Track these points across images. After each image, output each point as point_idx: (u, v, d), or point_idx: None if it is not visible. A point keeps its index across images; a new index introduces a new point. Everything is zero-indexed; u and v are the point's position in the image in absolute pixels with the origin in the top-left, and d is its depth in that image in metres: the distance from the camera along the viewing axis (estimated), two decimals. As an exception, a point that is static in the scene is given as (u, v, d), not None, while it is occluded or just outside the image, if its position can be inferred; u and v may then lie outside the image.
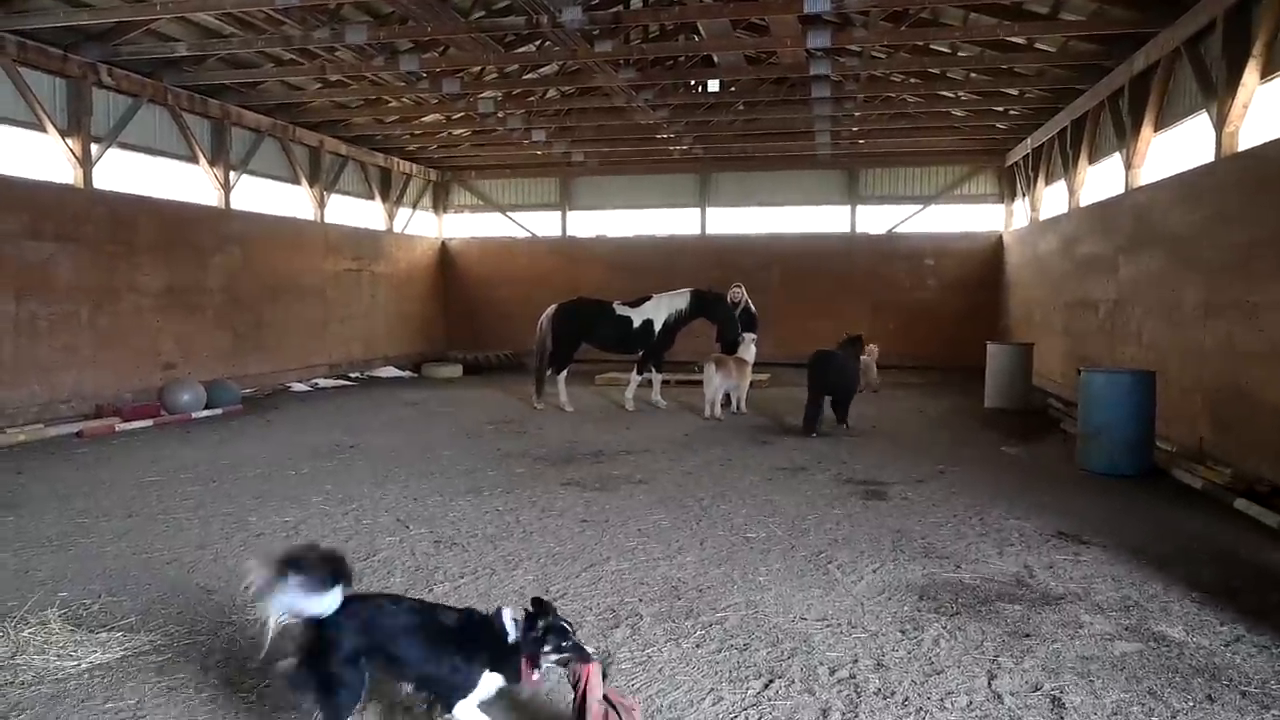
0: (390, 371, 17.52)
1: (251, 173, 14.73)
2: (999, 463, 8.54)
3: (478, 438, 9.87)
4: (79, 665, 3.73)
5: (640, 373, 12.28)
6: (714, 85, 14.30)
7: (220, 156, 13.78)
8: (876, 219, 19.41)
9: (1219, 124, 8.21)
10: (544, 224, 21.05)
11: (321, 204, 16.47)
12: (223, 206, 13.81)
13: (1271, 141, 7.27)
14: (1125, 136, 10.82)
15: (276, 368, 14.77)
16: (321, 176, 16.46)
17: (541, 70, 13.83)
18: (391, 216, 19.14)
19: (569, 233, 20.89)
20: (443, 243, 21.21)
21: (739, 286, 12.81)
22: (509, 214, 21.17)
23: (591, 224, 20.93)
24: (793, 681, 3.66)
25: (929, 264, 18.82)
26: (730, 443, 9.55)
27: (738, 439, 9.80)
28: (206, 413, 11.40)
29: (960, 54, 12.18)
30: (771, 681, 3.66)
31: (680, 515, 6.39)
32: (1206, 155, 8.53)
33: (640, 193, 20.45)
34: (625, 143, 17.57)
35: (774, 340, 15.19)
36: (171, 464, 8.20)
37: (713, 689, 3.59)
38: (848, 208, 19.45)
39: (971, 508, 6.59)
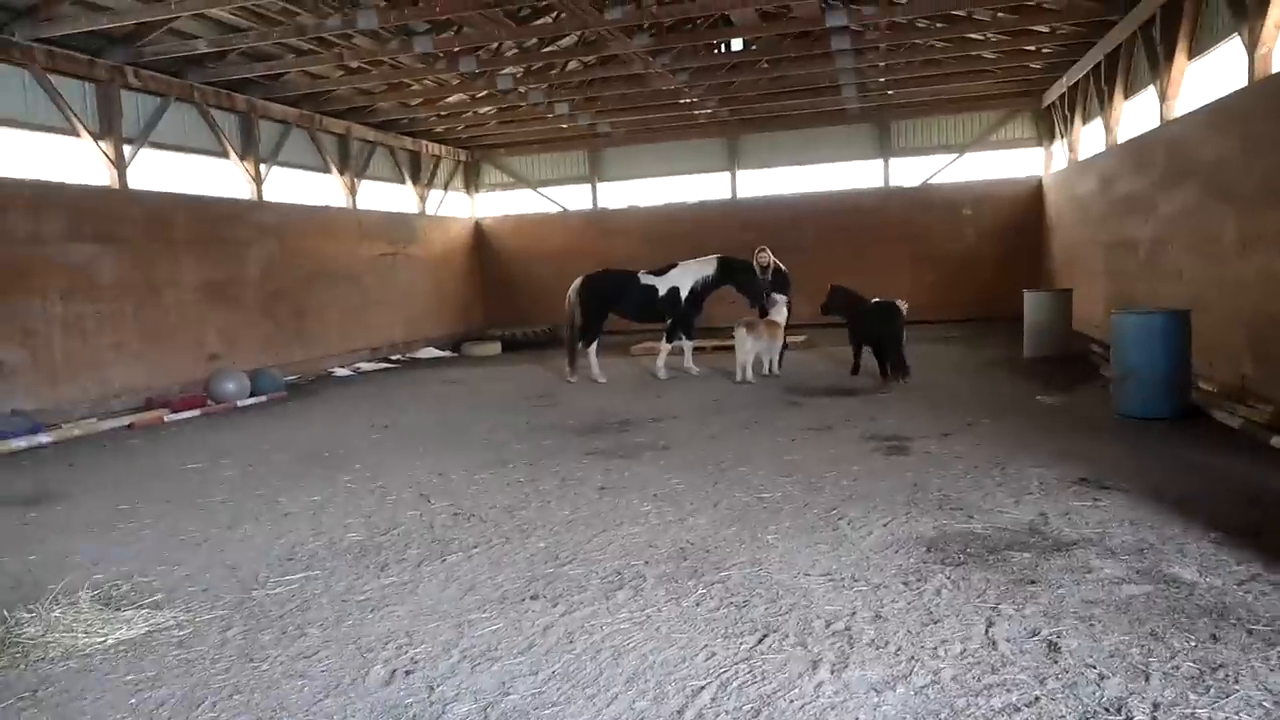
0: (431, 352, 17.79)
1: (282, 164, 15.02)
2: (1031, 412, 8.37)
3: (510, 412, 10.01)
4: (105, 641, 3.93)
5: (670, 340, 12.27)
6: (738, 44, 14.05)
7: (250, 150, 14.06)
8: (910, 172, 18.97)
9: (1251, 46, 7.83)
10: (576, 198, 21.07)
11: (353, 191, 16.72)
12: (256, 199, 14.12)
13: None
14: (1159, 67, 10.39)
15: (318, 354, 15.12)
16: (351, 163, 16.70)
17: (561, 42, 13.76)
18: (424, 199, 19.35)
19: (600, 205, 20.88)
20: (476, 222, 21.38)
21: (764, 250, 12.54)
22: (540, 190, 21.23)
23: (622, 195, 20.89)
24: (787, 635, 3.68)
25: (967, 214, 18.34)
26: (759, 406, 9.53)
27: (768, 402, 9.77)
28: (251, 400, 11.75)
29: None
30: (766, 636, 3.69)
31: (698, 479, 6.42)
32: (1242, 81, 8.15)
33: (669, 160, 20.28)
34: (650, 110, 17.44)
35: (808, 300, 14.96)
36: (214, 450, 8.50)
37: (706, 645, 3.63)
38: (880, 162, 19.03)
39: (994, 459, 6.49)
